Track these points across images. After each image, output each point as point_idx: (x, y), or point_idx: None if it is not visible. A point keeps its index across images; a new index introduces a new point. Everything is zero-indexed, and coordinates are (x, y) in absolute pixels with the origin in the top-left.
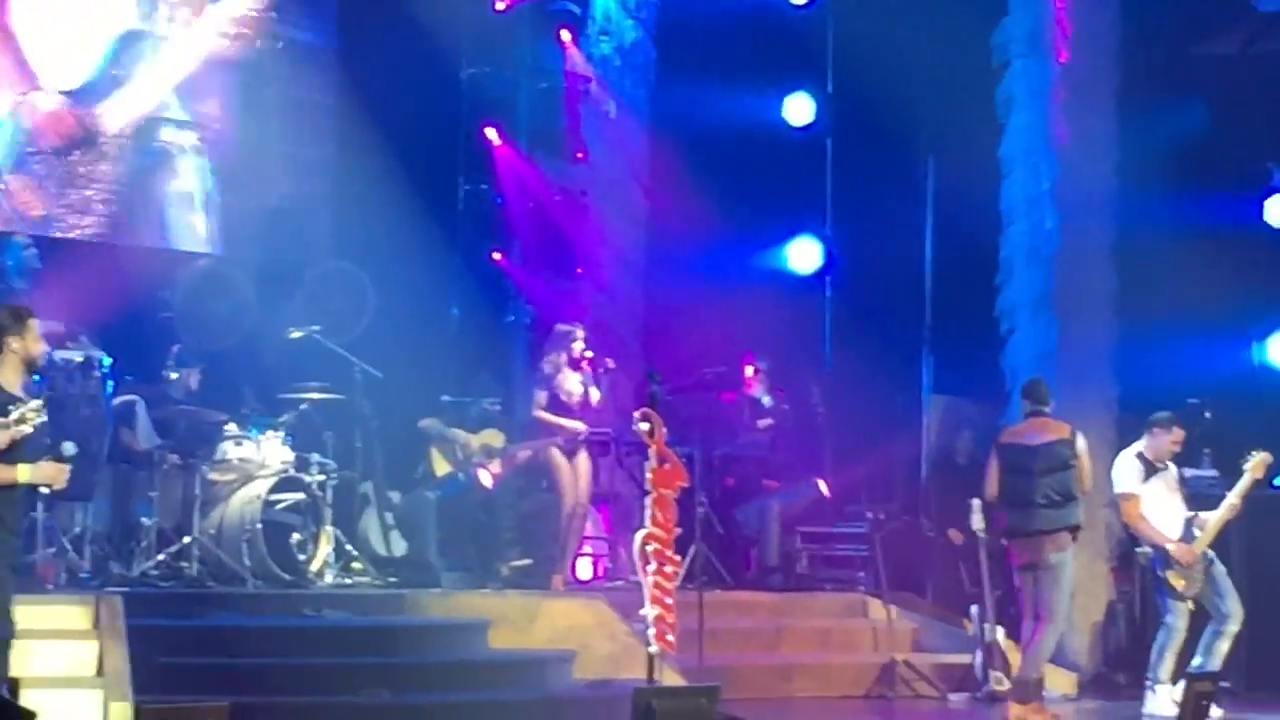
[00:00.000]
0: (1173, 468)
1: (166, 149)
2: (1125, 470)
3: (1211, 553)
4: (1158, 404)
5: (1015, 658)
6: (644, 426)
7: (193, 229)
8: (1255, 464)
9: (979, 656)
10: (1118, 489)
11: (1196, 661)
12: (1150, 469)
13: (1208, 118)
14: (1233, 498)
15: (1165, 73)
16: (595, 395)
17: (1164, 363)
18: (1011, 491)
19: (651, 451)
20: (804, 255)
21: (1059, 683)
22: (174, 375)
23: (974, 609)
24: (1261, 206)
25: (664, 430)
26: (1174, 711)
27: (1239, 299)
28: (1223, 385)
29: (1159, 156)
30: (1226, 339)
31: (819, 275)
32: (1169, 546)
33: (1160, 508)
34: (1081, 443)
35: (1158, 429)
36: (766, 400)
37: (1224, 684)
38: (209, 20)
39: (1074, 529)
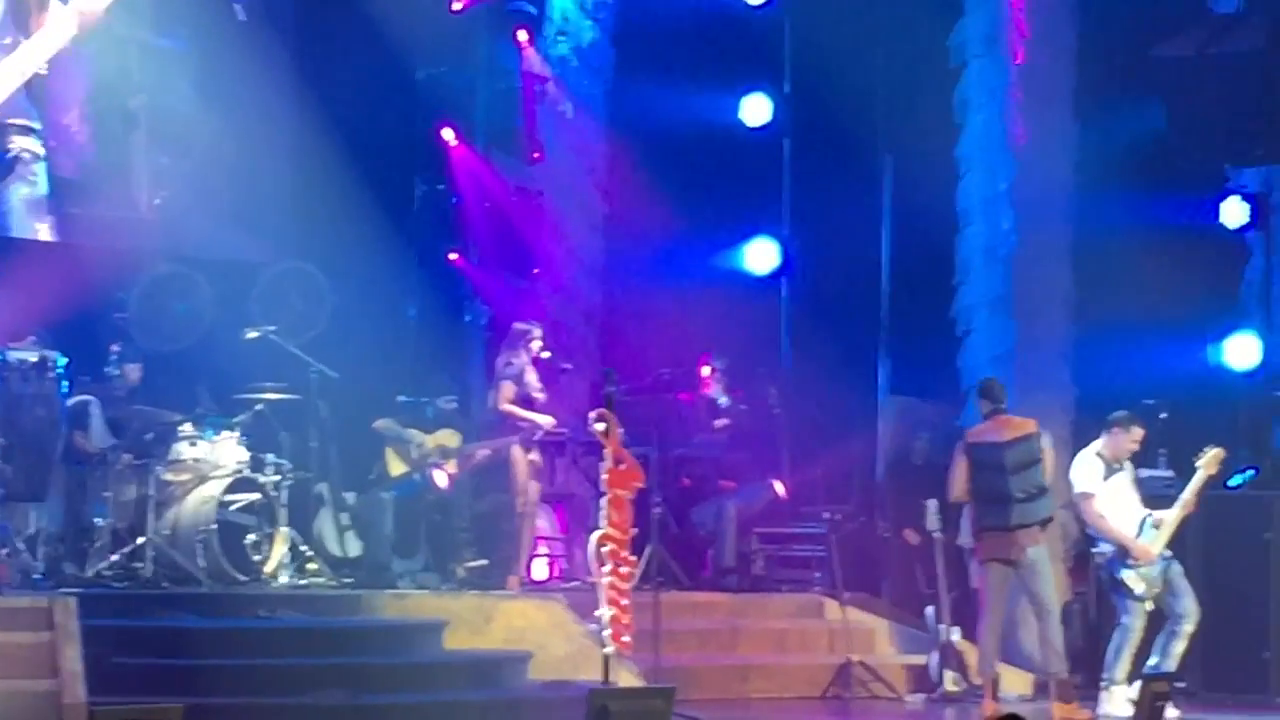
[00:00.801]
0: (1129, 467)
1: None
2: (1084, 469)
3: (1169, 552)
4: (1114, 405)
5: (971, 658)
6: (600, 427)
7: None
8: (1209, 460)
9: (935, 657)
10: (1077, 488)
11: (1152, 662)
12: (1109, 468)
13: (1164, 119)
14: (1188, 494)
15: (1122, 74)
16: (550, 420)
17: (1120, 363)
18: (986, 488)
19: (607, 452)
20: (761, 256)
21: (1015, 684)
22: (115, 372)
23: (929, 610)
24: (1217, 208)
25: (620, 430)
26: (1129, 712)
27: (1195, 300)
28: (1179, 386)
29: (1116, 157)
30: (1183, 340)
31: (776, 275)
32: (1129, 544)
33: (1118, 507)
34: (1047, 438)
35: (1117, 428)
36: (723, 400)
37: (1180, 684)
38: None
39: (1045, 522)
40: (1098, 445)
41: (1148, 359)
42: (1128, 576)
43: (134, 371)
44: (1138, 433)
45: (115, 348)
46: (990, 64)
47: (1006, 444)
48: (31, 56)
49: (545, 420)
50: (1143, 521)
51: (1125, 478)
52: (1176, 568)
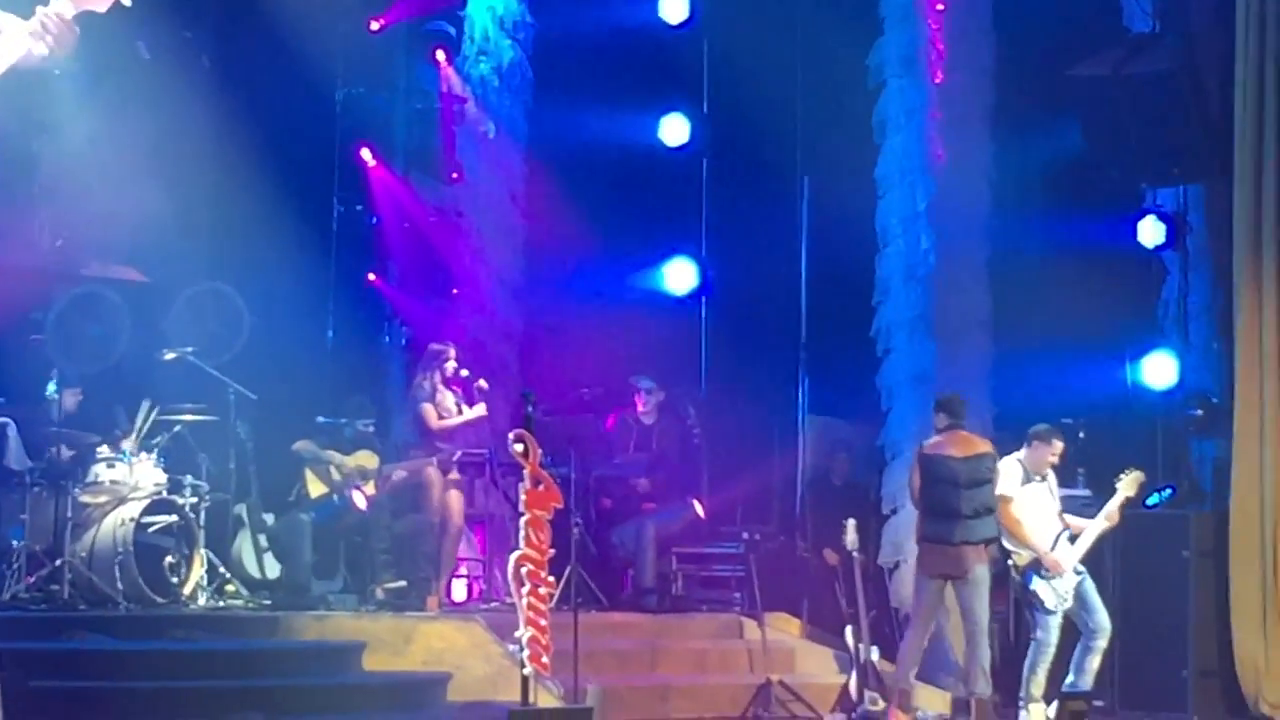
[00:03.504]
0: (1052, 479)
1: None
2: (1004, 473)
3: (1082, 567)
4: (1033, 423)
5: (890, 677)
6: (519, 447)
7: None
8: (1128, 481)
9: (854, 676)
10: (997, 491)
11: (1069, 680)
12: (1028, 476)
13: (1081, 139)
14: (1108, 510)
15: (1039, 94)
16: (482, 409)
17: (1039, 382)
18: (937, 503)
19: (526, 473)
20: (680, 276)
21: (933, 702)
22: (54, 397)
23: (849, 629)
24: (1135, 227)
25: (539, 451)
26: None
27: (1113, 319)
28: (1097, 405)
29: (1033, 177)
30: (1100, 359)
31: (695, 296)
32: (1041, 553)
33: (1034, 517)
34: (998, 460)
35: (1037, 441)
36: (647, 420)
37: (1098, 702)
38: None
39: (989, 541)
40: (1019, 454)
41: (1065, 378)
42: (1039, 588)
43: (71, 398)
44: (1058, 446)
45: (54, 371)
46: (909, 84)
47: (961, 460)
48: None
49: (478, 412)
50: (1058, 535)
51: (1044, 489)
52: (1089, 583)
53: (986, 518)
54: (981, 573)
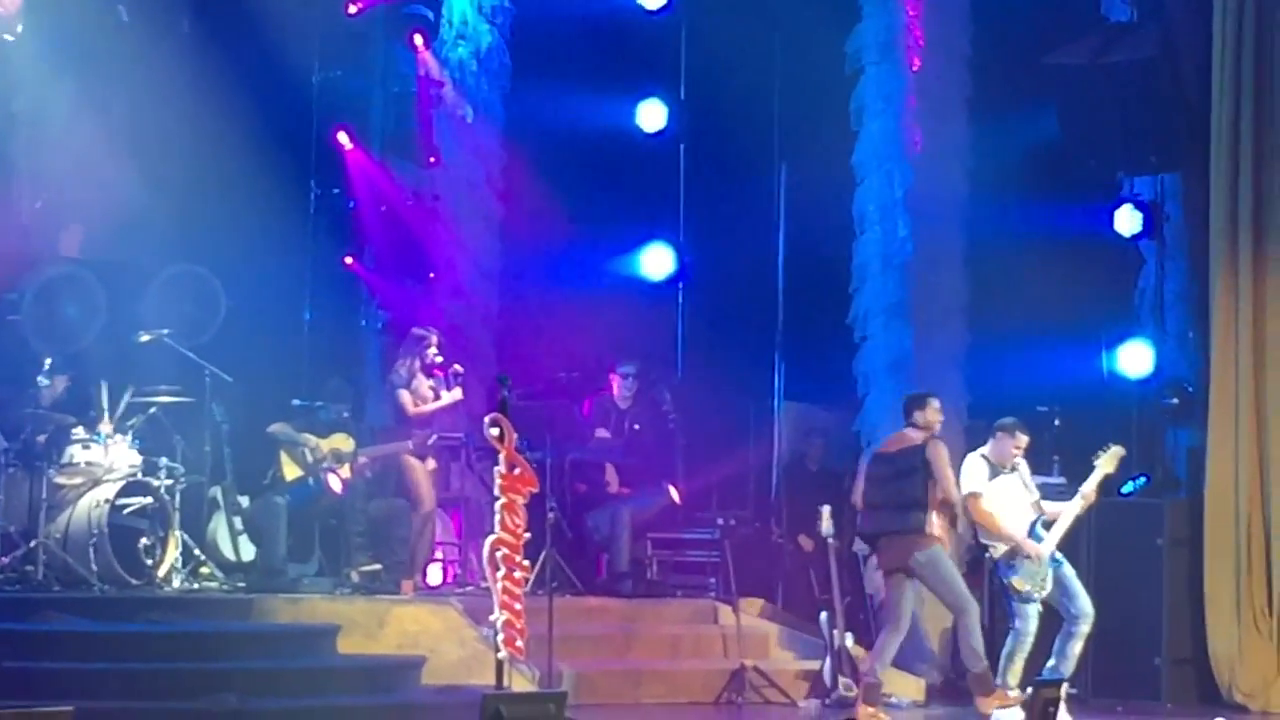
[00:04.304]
0: (1024, 468)
1: None
2: (969, 470)
3: (1060, 554)
4: (1008, 411)
5: (864, 663)
6: (494, 431)
7: None
8: (1108, 457)
9: (828, 662)
10: (963, 489)
11: (1050, 664)
12: (994, 470)
13: (1058, 127)
14: (1086, 488)
15: (1017, 81)
16: (458, 394)
17: (1014, 370)
18: (865, 497)
19: (501, 457)
20: (657, 262)
21: (907, 689)
22: (45, 382)
23: (824, 615)
24: (1111, 215)
25: (514, 435)
26: (1021, 717)
27: (1089, 307)
28: (1072, 393)
29: (1010, 165)
30: (1076, 347)
31: (672, 282)
32: (1019, 541)
33: (1008, 507)
34: (933, 451)
35: (1001, 434)
36: (624, 404)
37: (1071, 690)
38: None
39: (916, 532)
40: (984, 449)
41: (1041, 366)
42: (1017, 578)
43: (61, 383)
44: (1022, 439)
45: (48, 360)
46: (886, 71)
47: (889, 456)
48: None
49: (454, 397)
50: (1033, 524)
51: (1015, 480)
52: (1068, 569)
53: (910, 510)
54: (924, 557)
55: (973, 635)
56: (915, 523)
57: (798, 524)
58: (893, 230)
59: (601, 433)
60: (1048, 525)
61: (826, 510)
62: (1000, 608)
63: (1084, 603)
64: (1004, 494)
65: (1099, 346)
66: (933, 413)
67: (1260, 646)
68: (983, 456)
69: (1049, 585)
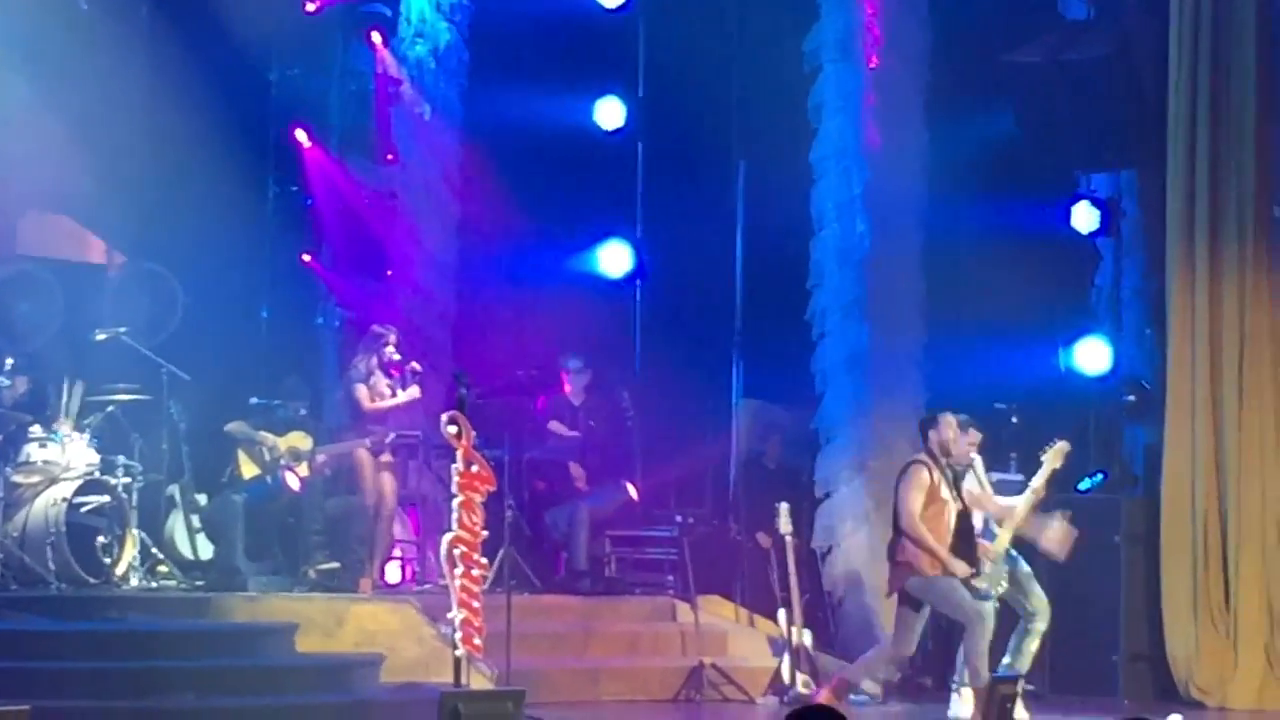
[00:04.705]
0: (978, 466)
1: None
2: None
3: (1014, 551)
4: (965, 408)
5: (822, 660)
6: (452, 429)
7: None
8: (1054, 453)
9: (787, 660)
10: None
11: (1005, 662)
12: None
13: (1015, 124)
14: (1034, 484)
15: (974, 79)
16: (416, 392)
17: (972, 367)
18: None
19: (459, 454)
20: (615, 259)
21: (865, 686)
22: (6, 383)
23: (782, 612)
24: (1068, 212)
25: (472, 433)
26: (971, 710)
27: (1046, 305)
28: (1030, 390)
29: (968, 163)
30: (1033, 344)
31: (630, 279)
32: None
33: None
34: (901, 476)
35: (932, 430)
36: (578, 400)
37: (1029, 687)
38: None
39: (903, 562)
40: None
41: (999, 363)
42: (974, 578)
43: (22, 384)
44: (975, 436)
45: (10, 360)
46: (844, 69)
47: None
48: None
49: (412, 394)
50: (986, 520)
51: (967, 481)
52: (1025, 566)
53: (899, 538)
54: (917, 584)
55: (976, 654)
56: (900, 551)
57: (756, 521)
58: (850, 227)
59: (556, 425)
60: (999, 521)
61: (785, 507)
62: None
63: (1039, 601)
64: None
65: (1056, 343)
66: (947, 429)
67: (1217, 643)
68: (923, 464)
69: (1005, 583)
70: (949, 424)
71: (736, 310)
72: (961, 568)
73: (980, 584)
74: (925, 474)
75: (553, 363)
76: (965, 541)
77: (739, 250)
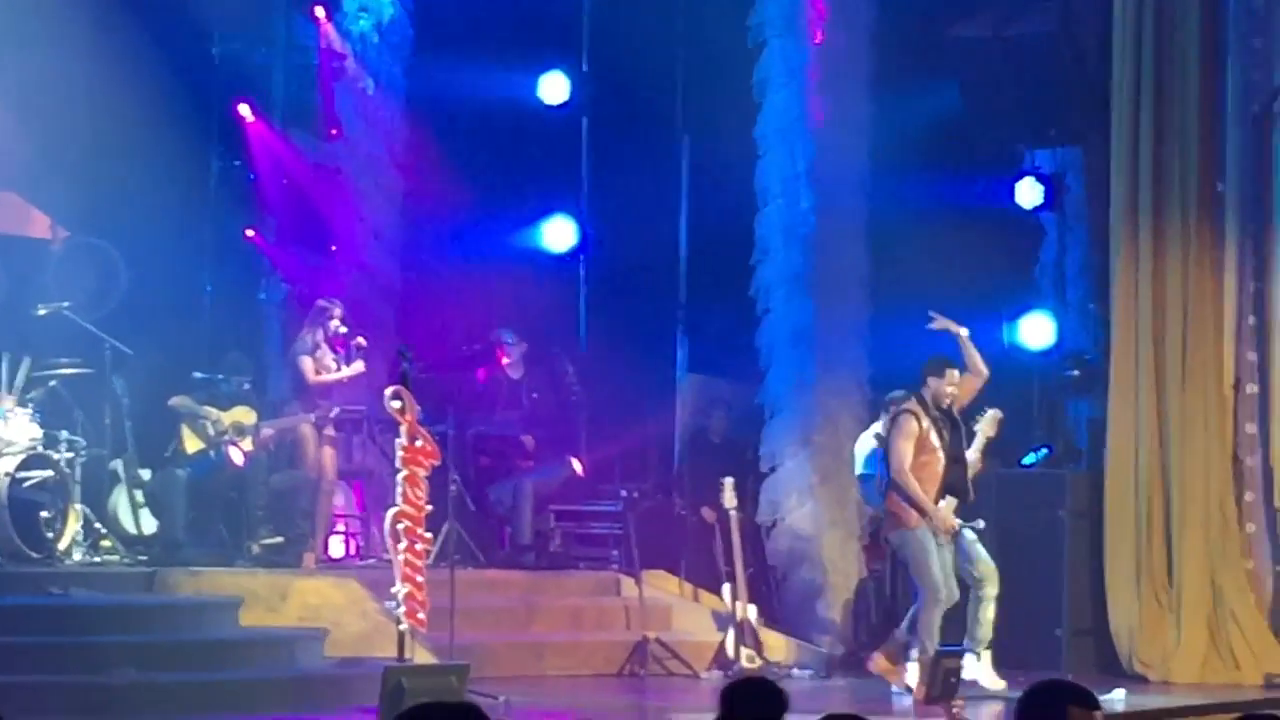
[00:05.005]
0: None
1: None
2: (862, 451)
3: (959, 521)
4: (909, 383)
5: (766, 635)
6: (395, 404)
7: None
8: (986, 421)
9: (731, 634)
10: (856, 470)
11: (967, 637)
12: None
13: (960, 100)
14: (972, 454)
15: (919, 54)
16: (360, 366)
17: (916, 342)
18: None
19: (403, 429)
20: (559, 234)
21: (810, 660)
22: None
23: (726, 587)
24: (1013, 188)
25: (416, 408)
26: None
27: (990, 280)
28: None
29: (912, 138)
30: (978, 319)
31: (574, 254)
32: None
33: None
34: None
35: (894, 407)
36: (516, 374)
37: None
38: None
39: (890, 513)
40: (876, 426)
41: (942, 338)
42: None
43: None
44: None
45: None
46: (789, 44)
47: None
48: None
49: (357, 369)
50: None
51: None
52: (969, 534)
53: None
54: (895, 539)
55: (926, 626)
56: (890, 500)
57: (700, 496)
58: (795, 203)
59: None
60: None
61: (729, 482)
62: (902, 579)
63: (985, 566)
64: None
65: (1000, 318)
66: (949, 382)
67: (1160, 618)
68: (875, 436)
69: (947, 545)
70: (952, 377)
71: (681, 285)
72: (946, 519)
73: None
74: (914, 423)
75: (491, 337)
76: (956, 493)
77: (683, 225)
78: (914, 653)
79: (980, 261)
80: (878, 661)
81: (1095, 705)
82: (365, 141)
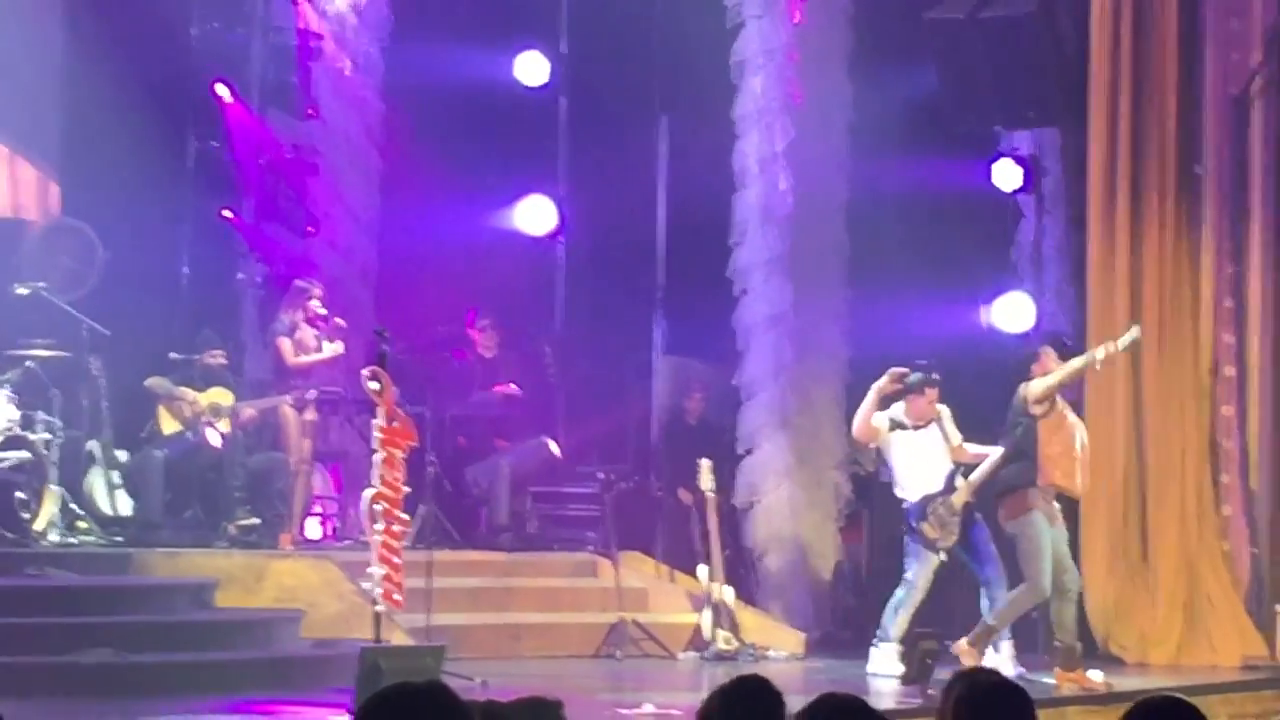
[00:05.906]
0: (945, 419)
1: None
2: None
3: (979, 515)
4: (887, 365)
5: (743, 617)
6: (373, 385)
7: None
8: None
9: (707, 616)
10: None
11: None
12: (900, 427)
13: (938, 82)
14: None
15: (897, 36)
16: (339, 347)
17: (894, 324)
18: None
19: (380, 410)
20: (536, 215)
21: (786, 642)
22: None
23: (702, 569)
24: (990, 170)
25: (394, 389)
26: (898, 669)
27: (968, 262)
28: (952, 347)
29: (890, 119)
30: (956, 301)
31: (552, 235)
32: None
33: (922, 461)
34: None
35: (913, 395)
36: (489, 354)
37: (947, 642)
38: None
39: (1009, 491)
40: (891, 411)
41: (921, 320)
42: (925, 527)
43: None
44: (932, 393)
45: None
46: (768, 24)
47: None
48: None
49: (336, 349)
50: (950, 474)
51: (931, 434)
52: (982, 531)
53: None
54: (1011, 529)
55: (1016, 610)
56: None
57: (677, 478)
58: (773, 184)
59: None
60: (967, 473)
61: (706, 464)
62: (879, 562)
63: (1072, 576)
64: (920, 450)
65: (978, 300)
66: (1050, 361)
67: (1136, 598)
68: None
69: (956, 533)
70: (1049, 355)
71: (658, 266)
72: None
73: (934, 534)
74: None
75: (465, 318)
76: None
77: (661, 207)
78: (878, 635)
79: (958, 243)
80: (959, 646)
81: None
82: (343, 122)
